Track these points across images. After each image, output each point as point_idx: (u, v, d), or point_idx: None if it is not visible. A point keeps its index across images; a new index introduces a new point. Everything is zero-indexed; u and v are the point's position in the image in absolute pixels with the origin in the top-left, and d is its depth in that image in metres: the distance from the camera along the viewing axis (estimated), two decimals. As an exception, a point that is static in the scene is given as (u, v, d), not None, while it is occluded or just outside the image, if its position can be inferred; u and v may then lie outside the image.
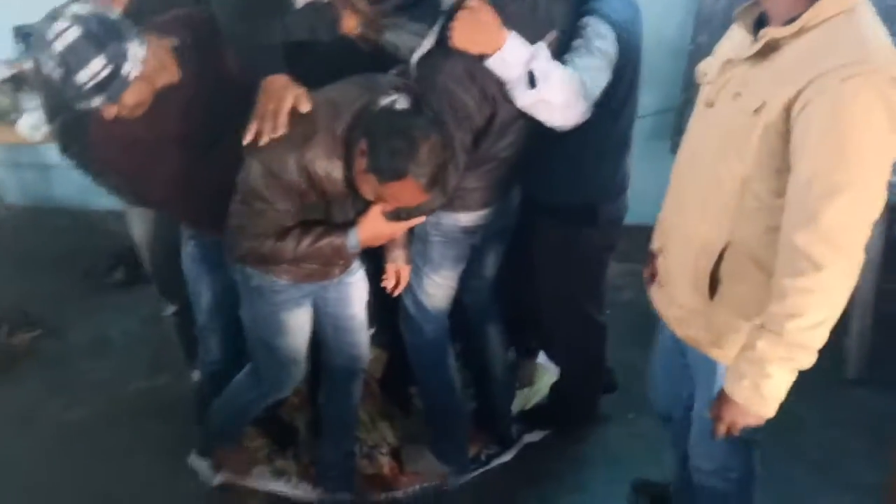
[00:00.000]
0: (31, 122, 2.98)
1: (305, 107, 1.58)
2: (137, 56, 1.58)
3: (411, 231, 1.93)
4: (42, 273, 3.40)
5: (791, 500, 2.30)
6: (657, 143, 3.01)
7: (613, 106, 1.95)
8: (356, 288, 2.02)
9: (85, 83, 1.52)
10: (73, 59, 1.50)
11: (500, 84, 1.70)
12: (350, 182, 1.62)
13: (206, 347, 2.24)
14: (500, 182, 1.96)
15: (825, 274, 1.29)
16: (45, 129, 3.00)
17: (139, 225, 2.41)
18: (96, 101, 1.56)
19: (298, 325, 1.96)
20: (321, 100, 1.62)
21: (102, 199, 3.36)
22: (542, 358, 2.76)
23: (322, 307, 2.02)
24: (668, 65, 3.00)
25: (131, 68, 1.57)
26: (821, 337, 1.37)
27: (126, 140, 1.71)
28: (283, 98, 1.57)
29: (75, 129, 1.85)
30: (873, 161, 1.27)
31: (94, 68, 1.52)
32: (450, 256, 2.04)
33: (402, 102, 1.61)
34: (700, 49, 2.85)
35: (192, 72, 1.73)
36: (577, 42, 1.82)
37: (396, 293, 2.04)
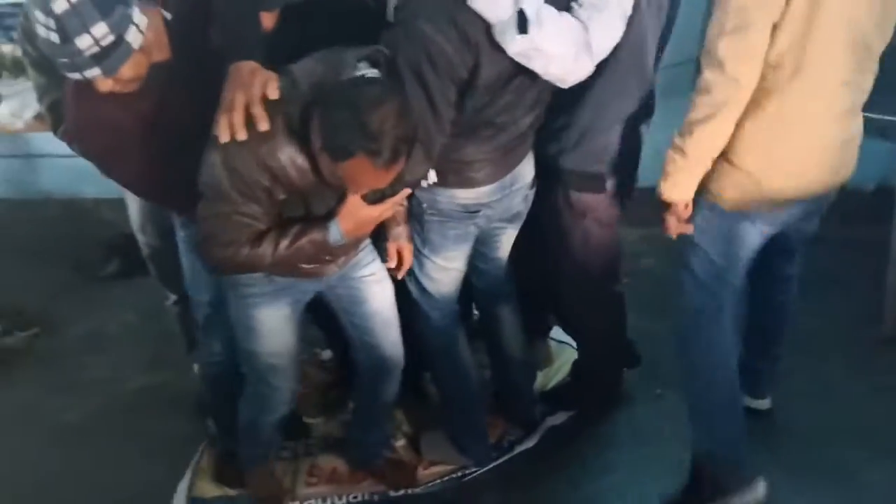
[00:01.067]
0: (11, 110, 2.84)
1: (274, 94, 1.42)
2: (140, 24, 1.43)
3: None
4: (34, 267, 3.28)
5: (842, 476, 2.16)
6: (674, 101, 2.82)
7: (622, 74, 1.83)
8: (372, 283, 1.86)
9: (84, 50, 1.37)
10: (74, 22, 1.34)
11: (487, 31, 1.53)
12: (319, 170, 1.46)
13: (206, 344, 2.10)
14: (503, 154, 1.80)
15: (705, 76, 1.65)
16: (26, 117, 2.86)
17: (134, 207, 2.30)
18: (93, 72, 1.41)
19: (275, 326, 1.78)
20: (282, 81, 1.45)
21: (93, 187, 3.26)
22: (561, 335, 2.63)
23: (335, 304, 1.88)
24: (685, 15, 2.79)
25: (133, 38, 1.42)
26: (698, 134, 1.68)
27: (105, 122, 1.56)
28: (252, 85, 1.41)
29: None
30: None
31: (97, 34, 1.36)
32: (451, 237, 1.89)
33: (369, 74, 1.44)
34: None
35: (181, 50, 1.57)
36: None
37: (401, 275, 1.89)
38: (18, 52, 2.91)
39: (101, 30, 1.37)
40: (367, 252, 1.86)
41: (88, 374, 2.71)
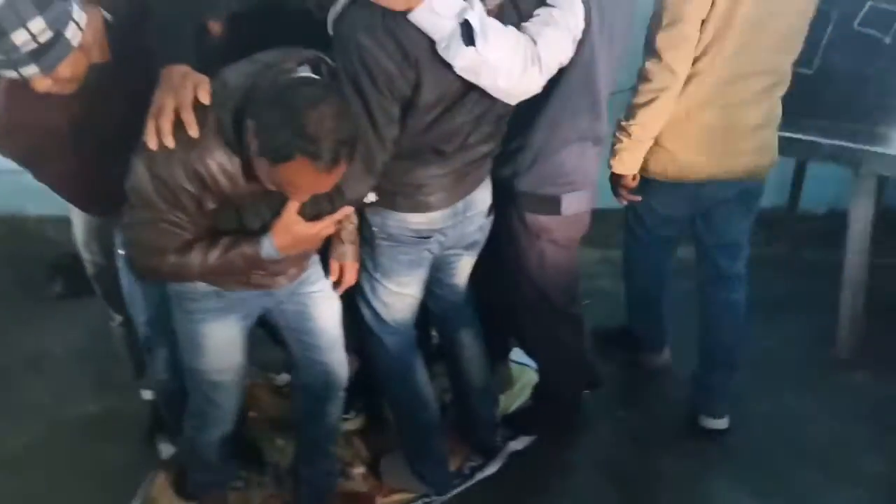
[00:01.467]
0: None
1: (206, 98, 1.37)
2: (80, 21, 1.38)
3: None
4: (-27, 287, 3.13)
5: (797, 499, 2.18)
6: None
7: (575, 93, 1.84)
8: (319, 300, 1.81)
9: (20, 46, 1.31)
10: (9, 16, 1.29)
11: (429, 47, 1.49)
12: (252, 176, 1.40)
13: (152, 362, 2.03)
14: (455, 180, 1.76)
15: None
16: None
17: (78, 224, 2.19)
18: (30, 70, 1.35)
19: (220, 343, 1.73)
20: (214, 85, 1.40)
21: (37, 205, 3.12)
22: (521, 356, 2.61)
23: (281, 321, 1.82)
24: (641, 36, 2.82)
25: (73, 35, 1.36)
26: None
27: (35, 123, 1.50)
28: (182, 89, 1.36)
29: None
30: None
31: (34, 29, 1.31)
32: (403, 262, 1.85)
33: (308, 76, 1.40)
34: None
35: (118, 52, 1.51)
36: (536, 10, 1.66)
37: (340, 291, 1.85)
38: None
39: (38, 25, 1.31)
40: (317, 269, 1.82)
41: (30, 398, 2.58)
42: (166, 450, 2.31)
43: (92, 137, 1.52)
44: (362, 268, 1.87)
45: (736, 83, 1.99)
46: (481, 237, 1.98)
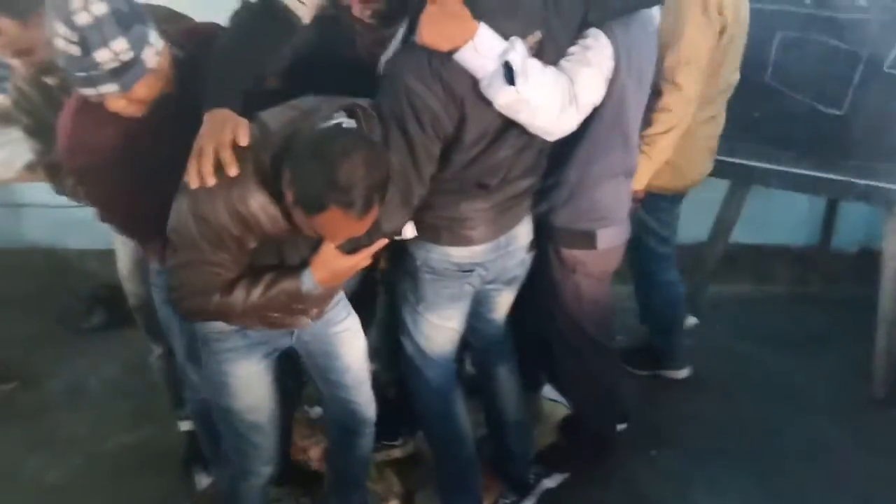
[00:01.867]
0: (2, 160, 2.79)
1: (244, 140, 1.41)
2: (157, 46, 1.45)
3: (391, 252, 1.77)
4: (15, 318, 3.19)
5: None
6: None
7: (605, 131, 1.87)
8: (346, 338, 1.82)
9: (102, 64, 1.38)
10: (95, 35, 1.35)
11: (473, 85, 1.55)
12: (290, 219, 1.44)
13: (189, 384, 2.05)
14: (498, 214, 1.80)
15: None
16: (17, 167, 2.82)
17: (123, 254, 2.25)
18: (108, 88, 1.41)
19: (250, 382, 1.73)
20: (253, 128, 1.45)
21: (78, 238, 3.21)
22: (553, 393, 2.61)
23: (308, 359, 1.84)
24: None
25: (149, 58, 1.43)
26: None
27: (99, 143, 1.55)
28: (222, 131, 1.41)
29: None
30: None
31: (117, 49, 1.38)
32: (445, 295, 1.87)
33: (345, 124, 1.44)
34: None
35: (182, 89, 1.57)
36: (571, 49, 1.70)
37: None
38: (7, 103, 2.91)
39: (120, 45, 1.38)
40: (342, 307, 1.83)
41: (69, 430, 2.63)
42: (202, 481, 2.34)
43: (148, 164, 1.57)
44: (405, 301, 1.89)
45: (717, 99, 2.34)
46: (521, 273, 2.01)
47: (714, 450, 2.49)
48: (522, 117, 1.61)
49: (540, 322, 2.22)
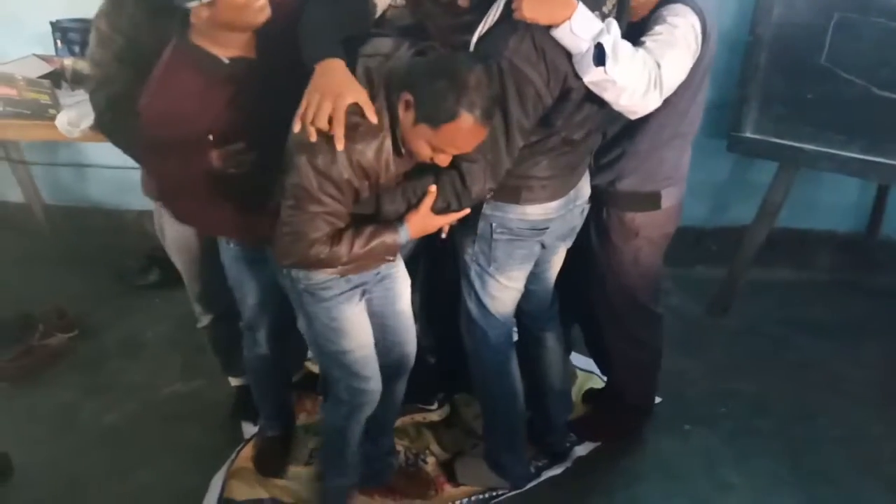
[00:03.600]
0: (69, 119, 2.92)
1: (373, 117, 1.50)
2: None
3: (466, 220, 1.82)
4: (77, 274, 3.36)
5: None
6: (712, 141, 2.88)
7: (686, 98, 1.89)
8: (399, 281, 1.92)
9: None
10: None
11: (569, 57, 1.59)
12: (400, 163, 1.55)
13: (252, 341, 2.16)
14: (570, 171, 1.86)
15: None
16: (82, 127, 2.94)
17: (171, 229, 2.21)
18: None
19: (357, 320, 1.84)
20: (360, 79, 1.53)
21: (137, 199, 3.33)
22: (584, 363, 2.66)
23: (368, 307, 1.92)
24: (723, 57, 2.85)
25: None
26: None
27: (181, 109, 1.60)
28: (342, 97, 1.46)
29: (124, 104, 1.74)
30: None
31: None
32: (517, 256, 1.92)
33: (412, 49, 1.57)
34: (759, 41, 2.71)
35: (265, 60, 1.61)
36: (658, 27, 1.72)
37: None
38: (78, 66, 3.04)
39: None
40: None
41: (125, 378, 2.77)
42: (249, 430, 2.46)
43: (224, 138, 1.64)
44: (474, 263, 1.95)
45: None
46: (580, 223, 2.05)
47: (747, 429, 2.51)
48: (608, 95, 1.64)
49: (580, 291, 2.25)
